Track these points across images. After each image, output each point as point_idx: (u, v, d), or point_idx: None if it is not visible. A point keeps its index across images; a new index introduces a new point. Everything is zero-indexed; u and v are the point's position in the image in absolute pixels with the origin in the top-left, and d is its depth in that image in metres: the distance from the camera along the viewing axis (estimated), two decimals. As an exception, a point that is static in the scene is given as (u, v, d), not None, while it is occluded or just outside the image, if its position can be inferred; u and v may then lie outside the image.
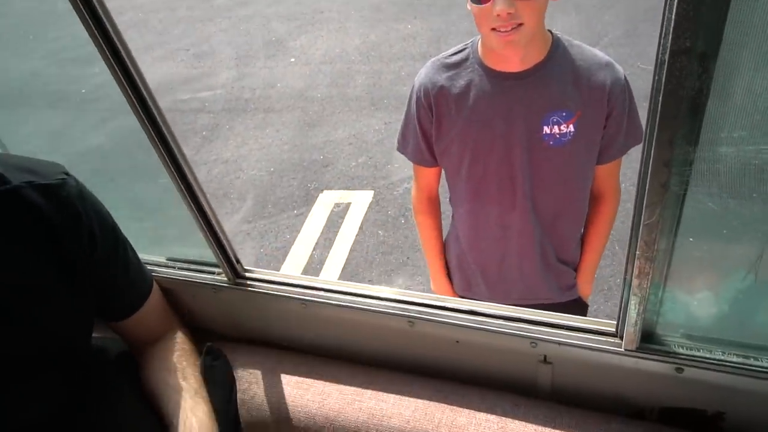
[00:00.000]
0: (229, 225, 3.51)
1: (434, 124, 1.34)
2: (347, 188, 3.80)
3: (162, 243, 1.23)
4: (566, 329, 0.85)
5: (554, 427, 0.88)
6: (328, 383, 1.04)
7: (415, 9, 5.90)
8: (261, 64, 5.48)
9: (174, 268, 1.14)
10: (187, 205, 0.99)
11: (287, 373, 1.08)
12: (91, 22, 0.76)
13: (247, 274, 1.09)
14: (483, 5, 1.09)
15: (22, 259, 0.83)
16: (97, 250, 0.90)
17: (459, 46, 1.32)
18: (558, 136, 1.24)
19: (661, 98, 0.55)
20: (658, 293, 0.73)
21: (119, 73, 0.82)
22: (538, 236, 1.39)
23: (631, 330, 0.77)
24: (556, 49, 1.23)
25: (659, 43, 0.54)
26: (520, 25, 1.10)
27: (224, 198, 3.85)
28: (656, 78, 0.56)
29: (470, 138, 1.31)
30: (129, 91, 0.84)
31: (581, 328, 0.84)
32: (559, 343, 0.85)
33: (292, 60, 5.45)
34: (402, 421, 0.95)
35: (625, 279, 0.74)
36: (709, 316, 0.78)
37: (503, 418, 0.91)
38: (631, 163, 1.23)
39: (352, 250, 3.34)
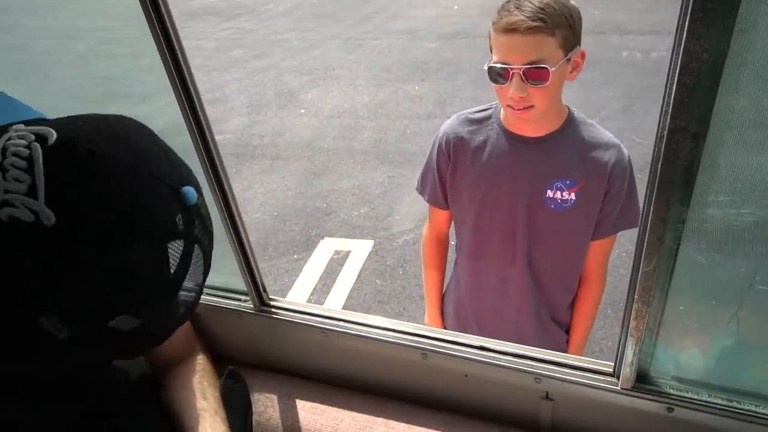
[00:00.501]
0: (231, 265, 3.50)
1: (449, 171, 1.41)
2: (348, 236, 3.83)
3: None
4: (568, 367, 0.93)
5: (554, 461, 0.95)
6: (341, 410, 1.10)
7: (424, 72, 6.14)
8: (272, 113, 5.63)
9: (203, 293, 1.22)
10: (228, 235, 1.08)
11: (302, 399, 1.13)
12: (174, 73, 0.88)
13: (272, 303, 1.17)
14: (500, 86, 1.20)
15: None
16: None
17: (485, 105, 1.40)
18: (560, 201, 1.31)
19: (659, 166, 0.66)
20: (652, 336, 0.82)
21: (191, 118, 0.93)
22: (534, 294, 1.44)
23: (628, 370, 0.86)
24: (570, 123, 1.31)
25: (659, 120, 0.65)
26: (532, 106, 1.19)
27: (226, 241, 3.87)
28: (656, 150, 0.67)
29: (479, 190, 1.38)
30: (196, 133, 0.94)
31: (582, 367, 0.93)
32: (562, 380, 0.92)
33: (302, 111, 5.61)
34: (411, 449, 1.01)
35: (623, 323, 0.83)
36: (697, 360, 0.87)
37: (506, 450, 0.98)
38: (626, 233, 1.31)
39: (349, 297, 3.36)
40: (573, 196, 1.30)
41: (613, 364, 0.90)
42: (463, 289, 1.56)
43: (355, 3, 8.81)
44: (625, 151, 1.32)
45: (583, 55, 1.22)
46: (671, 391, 0.87)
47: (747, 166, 0.65)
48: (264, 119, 5.53)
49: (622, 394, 0.90)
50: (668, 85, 0.62)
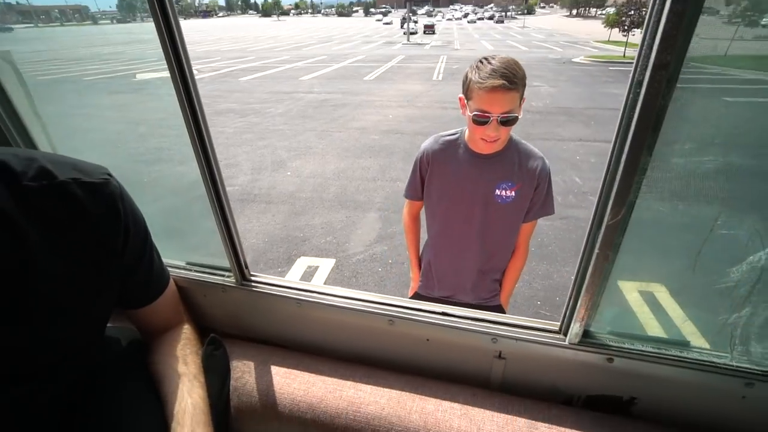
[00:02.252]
0: (217, 246, 3.12)
1: (428, 175, 1.34)
2: (317, 256, 3.54)
3: (183, 250, 0.96)
4: (521, 327, 0.66)
5: (507, 413, 0.66)
6: (312, 375, 0.77)
7: (370, 152, 6.02)
8: (268, 174, 5.31)
9: (191, 270, 0.87)
10: (215, 215, 0.76)
11: (277, 365, 0.79)
12: (194, 131, 0.64)
13: (253, 277, 0.84)
14: (480, 127, 1.14)
15: (66, 249, 0.57)
16: (129, 245, 0.65)
17: (453, 131, 1.33)
18: (504, 197, 1.27)
19: (637, 113, 0.43)
20: (601, 292, 0.58)
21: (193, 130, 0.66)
22: (481, 260, 1.38)
23: (577, 326, 0.60)
24: (511, 143, 1.26)
25: (636, 63, 0.43)
26: (498, 139, 1.16)
27: (213, 222, 3.48)
28: (630, 96, 0.44)
29: (446, 190, 1.31)
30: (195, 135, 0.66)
31: (532, 326, 0.66)
32: (516, 339, 0.65)
33: (289, 173, 5.32)
34: (378, 408, 0.69)
35: (575, 281, 0.58)
36: (634, 314, 0.62)
37: (464, 405, 0.68)
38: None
39: (318, 297, 3.00)
40: (513, 193, 1.26)
41: (559, 323, 0.64)
42: (431, 257, 1.46)
43: (327, 110, 8.76)
44: (548, 162, 1.28)
45: (524, 101, 1.15)
46: (611, 344, 0.62)
47: (714, 110, 0.43)
48: (262, 178, 5.19)
49: (568, 348, 0.64)
50: (650, 25, 0.41)
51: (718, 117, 0.43)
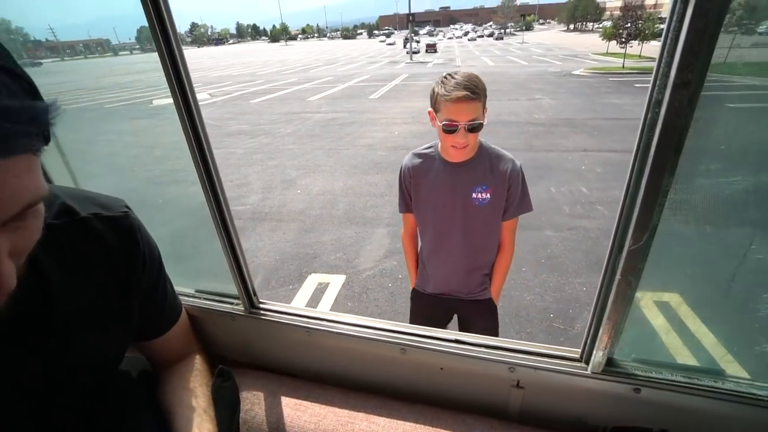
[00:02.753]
0: (225, 273, 3.11)
1: (412, 188, 1.41)
2: (328, 272, 3.51)
3: (193, 277, 0.94)
4: (539, 355, 0.62)
5: (528, 449, 0.61)
6: (324, 406, 0.73)
7: (377, 168, 6.05)
8: (278, 193, 5.33)
9: (200, 298, 0.85)
10: (221, 243, 0.74)
11: (287, 396, 0.76)
12: (198, 154, 0.64)
13: (261, 305, 0.81)
14: (450, 135, 1.22)
15: (87, 286, 0.57)
16: (145, 277, 0.64)
17: (428, 144, 1.40)
18: (481, 199, 1.33)
19: (658, 132, 0.40)
20: (624, 319, 0.53)
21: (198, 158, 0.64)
22: (467, 257, 1.44)
23: (600, 354, 0.55)
24: (481, 150, 1.33)
25: (653, 82, 0.40)
26: (467, 145, 1.24)
27: (220, 250, 3.47)
28: (648, 117, 0.41)
29: (430, 199, 1.38)
30: (198, 160, 0.65)
31: (552, 354, 0.61)
32: (534, 368, 0.61)
33: (299, 191, 5.34)
34: (391, 442, 0.64)
35: (596, 308, 0.54)
36: (661, 341, 0.57)
37: (482, 440, 0.63)
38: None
39: (329, 315, 2.97)
40: (488, 195, 1.33)
41: (580, 350, 0.60)
42: (425, 258, 1.53)
43: (335, 129, 8.86)
44: (518, 162, 1.35)
45: (486, 110, 1.24)
46: (638, 373, 0.57)
47: (742, 125, 0.40)
48: (273, 196, 5.22)
49: (591, 378, 0.59)
50: (668, 42, 0.38)
51: (746, 133, 0.39)
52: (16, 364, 0.51)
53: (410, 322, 1.76)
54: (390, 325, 0.72)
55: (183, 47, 0.59)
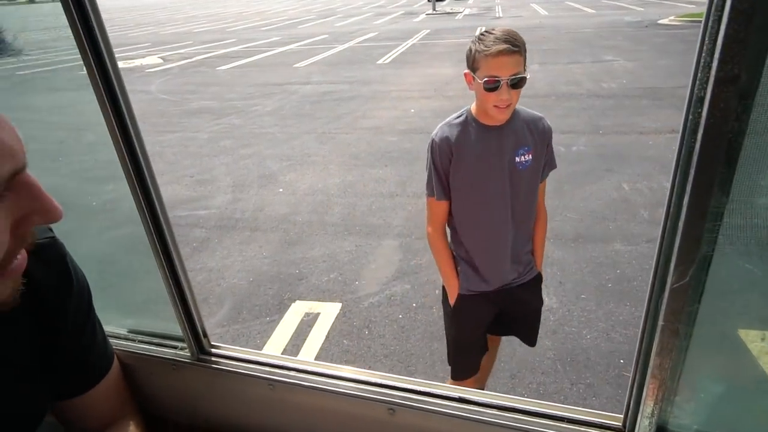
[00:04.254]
0: (167, 309, 3.18)
1: (453, 163, 1.65)
2: (318, 300, 3.56)
3: (127, 313, 0.98)
4: (568, 422, 0.63)
5: None
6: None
7: (387, 159, 6.09)
8: (253, 192, 5.44)
9: (135, 341, 0.89)
10: (159, 266, 0.78)
11: (242, 471, 0.79)
12: (125, 150, 0.66)
13: (213, 350, 0.85)
14: (492, 93, 1.47)
15: (7, 335, 0.61)
16: (73, 312, 0.69)
17: (458, 113, 1.68)
18: (524, 162, 1.63)
19: (699, 138, 0.42)
20: (675, 379, 0.55)
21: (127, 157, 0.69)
22: (516, 235, 1.75)
23: (646, 423, 0.57)
24: (515, 111, 1.63)
25: (693, 80, 0.43)
26: (511, 103, 1.51)
27: (203, 303, 3.54)
28: (688, 120, 0.43)
29: (476, 169, 1.65)
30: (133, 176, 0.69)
31: (585, 421, 0.63)
32: (561, 439, 0.63)
33: (280, 191, 5.43)
34: None
35: (638, 361, 0.56)
36: (736, 407, 0.58)
37: None
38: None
39: (317, 357, 3.01)
40: (530, 157, 1.64)
41: (622, 416, 0.62)
42: (468, 250, 1.80)
43: (330, 105, 8.96)
44: (547, 120, 1.71)
45: (527, 68, 1.52)
46: (699, 451, 0.58)
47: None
48: (246, 197, 5.32)
49: (637, 455, 0.60)
50: (709, 25, 0.40)
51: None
52: None
53: (455, 342, 2.01)
54: (376, 378, 0.74)
55: None
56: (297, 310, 3.46)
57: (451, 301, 1.88)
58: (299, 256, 4.13)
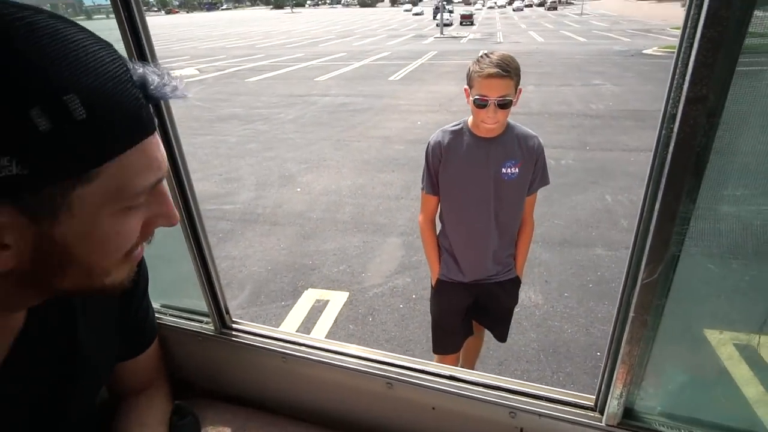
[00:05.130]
0: (195, 287, 3.23)
1: (441, 164, 1.67)
2: (328, 288, 3.57)
3: (159, 289, 1.00)
4: (545, 400, 0.64)
5: None
6: (296, 446, 0.77)
7: (394, 165, 6.11)
8: (274, 190, 5.46)
9: (166, 314, 0.91)
10: (190, 250, 0.79)
11: (256, 432, 0.80)
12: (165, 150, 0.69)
13: (234, 325, 0.86)
14: (481, 110, 1.50)
15: (103, 306, 0.67)
16: (140, 286, 0.73)
17: (456, 122, 1.70)
18: (510, 174, 1.63)
19: (670, 152, 0.43)
20: (643, 364, 0.55)
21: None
22: (495, 235, 1.74)
23: (615, 404, 0.57)
24: (509, 128, 1.65)
25: (667, 99, 0.43)
26: (497, 121, 1.52)
27: (226, 287, 3.55)
28: (661, 135, 0.44)
29: (461, 173, 1.66)
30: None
31: (560, 399, 0.64)
32: (539, 415, 0.63)
33: (298, 190, 5.45)
34: (370, 492, 0.68)
35: (609, 349, 0.56)
36: (696, 392, 0.59)
37: (476, 496, 0.66)
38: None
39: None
40: (517, 170, 1.64)
41: (594, 396, 0.62)
42: (451, 243, 1.81)
43: (345, 116, 8.98)
44: (540, 139, 1.69)
45: (521, 91, 1.55)
46: (661, 429, 0.58)
47: (771, 150, 0.42)
48: (267, 195, 5.34)
49: (605, 430, 0.61)
50: (682, 51, 0.40)
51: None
52: (30, 388, 0.58)
53: (434, 320, 2.02)
54: (376, 355, 0.75)
55: (169, 11, 0.64)
56: (309, 297, 3.47)
57: (432, 283, 1.93)
58: (313, 248, 4.14)
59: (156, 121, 0.47)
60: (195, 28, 47.43)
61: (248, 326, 0.85)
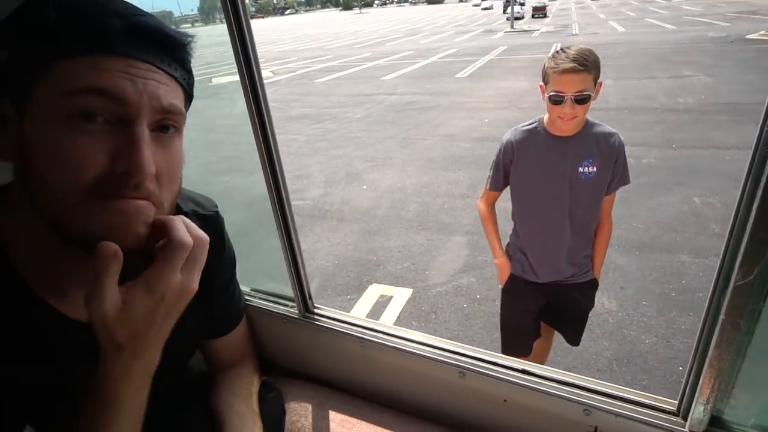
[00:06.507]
0: (282, 274, 3.41)
1: (513, 163, 1.67)
2: (392, 284, 3.64)
3: (249, 275, 1.10)
4: (623, 401, 0.63)
5: None
6: (372, 425, 0.82)
7: (460, 163, 6.06)
8: (341, 188, 5.64)
9: (255, 297, 1.00)
10: (281, 240, 0.88)
11: (335, 410, 0.87)
12: (263, 143, 0.77)
13: (315, 310, 0.94)
14: (557, 106, 1.48)
15: None
16: (221, 273, 0.81)
17: (531, 120, 1.68)
18: (587, 173, 1.59)
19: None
20: (734, 370, 0.53)
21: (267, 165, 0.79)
22: (572, 239, 1.71)
23: (701, 409, 0.56)
24: (587, 124, 1.60)
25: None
26: (575, 117, 1.49)
27: (278, 250, 3.79)
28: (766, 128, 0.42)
29: (534, 172, 1.65)
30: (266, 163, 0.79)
31: (639, 401, 0.63)
32: (615, 415, 0.63)
33: (364, 187, 5.58)
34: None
35: (697, 350, 0.55)
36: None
37: (548, 489, 0.67)
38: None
39: (389, 334, 3.10)
40: (594, 169, 1.59)
41: (677, 401, 0.60)
42: (522, 243, 1.80)
43: (411, 114, 9.03)
44: (621, 136, 1.62)
45: (601, 85, 1.51)
46: (754, 441, 0.56)
47: None
48: (335, 191, 5.54)
49: (689, 438, 0.59)
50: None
51: None
52: None
53: (504, 320, 2.00)
54: (449, 345, 0.79)
55: (251, 17, 0.72)
56: (373, 292, 3.55)
57: (501, 279, 1.89)
58: (378, 245, 4.23)
59: (138, 49, 0.47)
60: (269, 32, 49.99)
61: (329, 311, 0.92)
